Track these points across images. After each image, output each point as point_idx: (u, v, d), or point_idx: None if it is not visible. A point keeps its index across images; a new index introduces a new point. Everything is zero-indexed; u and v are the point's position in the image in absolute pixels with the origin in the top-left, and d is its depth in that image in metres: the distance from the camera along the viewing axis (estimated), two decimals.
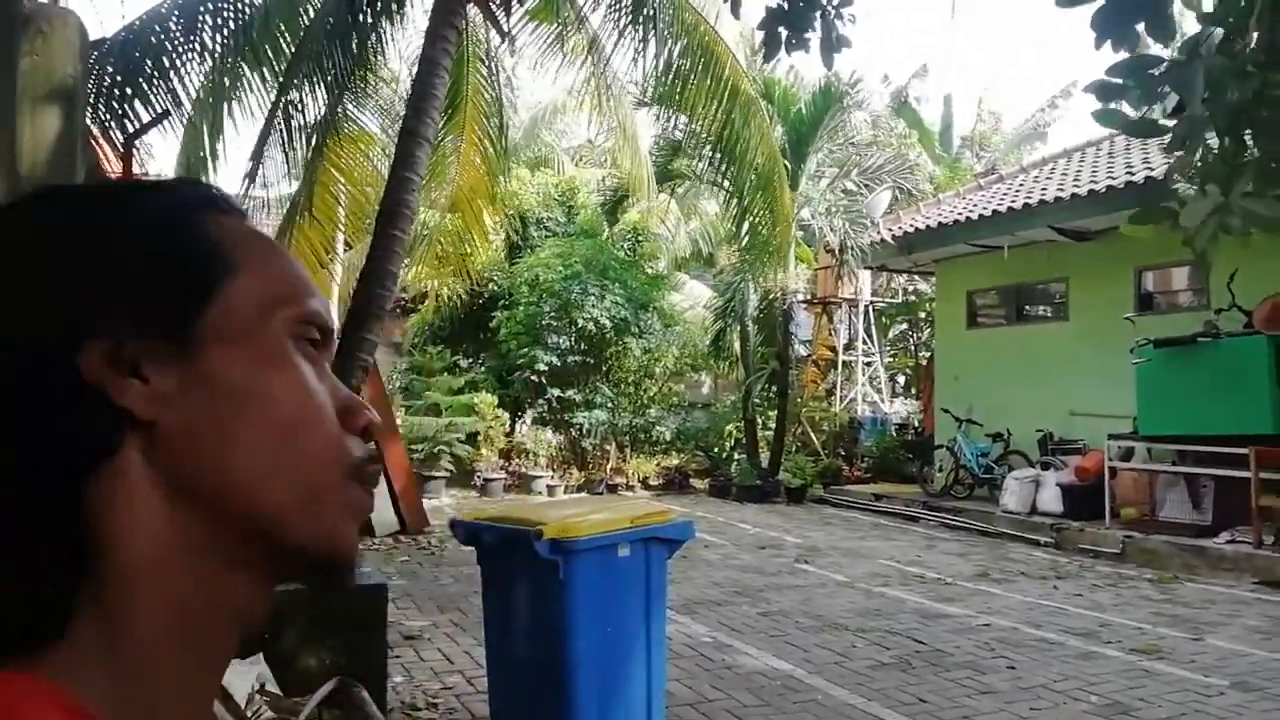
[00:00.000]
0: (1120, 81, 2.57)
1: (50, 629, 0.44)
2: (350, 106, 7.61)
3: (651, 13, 7.24)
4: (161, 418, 0.46)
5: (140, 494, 0.46)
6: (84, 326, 0.45)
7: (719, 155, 8.55)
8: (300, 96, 7.00)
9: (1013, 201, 11.58)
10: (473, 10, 6.72)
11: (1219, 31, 2.41)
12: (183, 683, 0.47)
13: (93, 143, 4.89)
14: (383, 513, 9.29)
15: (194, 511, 0.47)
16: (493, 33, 7.49)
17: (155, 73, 6.38)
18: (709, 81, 7.77)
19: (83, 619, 0.45)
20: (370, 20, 6.96)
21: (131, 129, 5.89)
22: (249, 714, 3.40)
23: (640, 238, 16.25)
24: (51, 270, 0.46)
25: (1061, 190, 11.01)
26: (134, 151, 5.02)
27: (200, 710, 0.50)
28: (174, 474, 0.47)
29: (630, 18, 7.36)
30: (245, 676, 3.58)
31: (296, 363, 0.50)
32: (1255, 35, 2.32)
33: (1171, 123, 2.63)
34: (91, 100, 5.60)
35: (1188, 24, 2.70)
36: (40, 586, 0.44)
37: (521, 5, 7.43)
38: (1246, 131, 2.39)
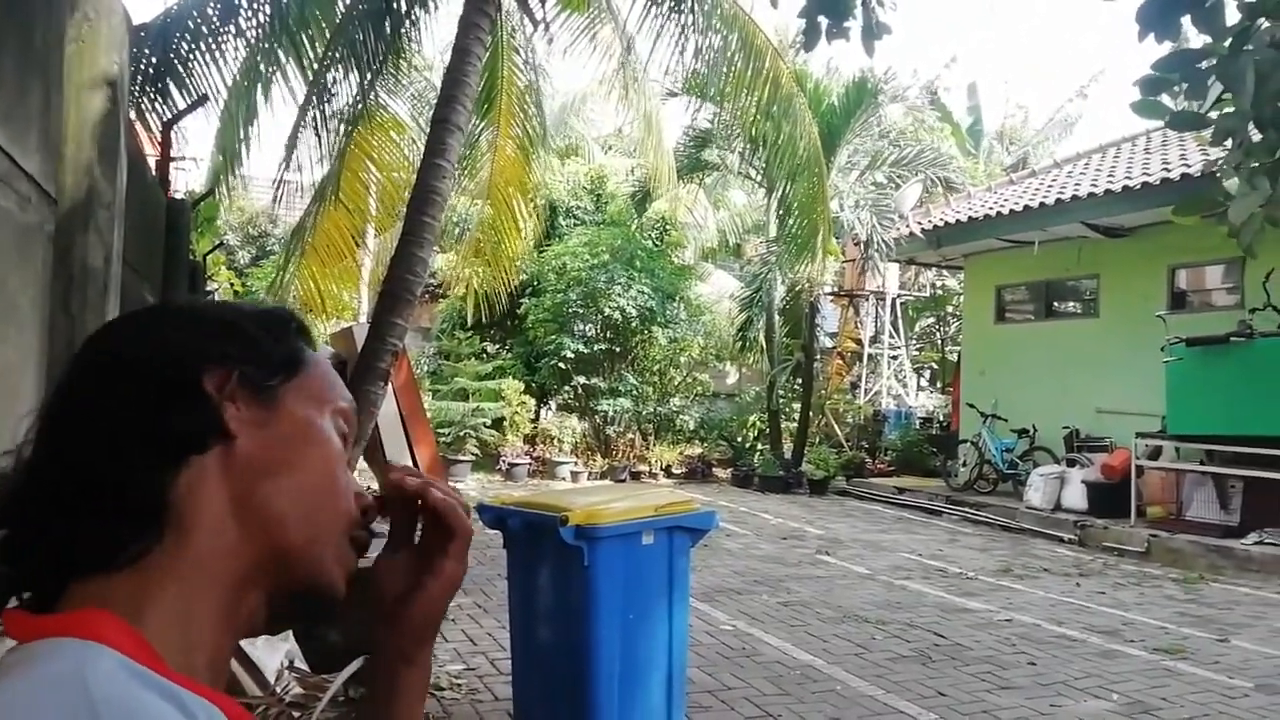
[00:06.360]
0: (1164, 75, 2.55)
1: (119, 559, 0.59)
2: (382, 94, 7.65)
3: (691, 4, 7.19)
4: (240, 440, 0.64)
5: (212, 491, 0.63)
6: (216, 357, 0.65)
7: (758, 148, 8.48)
8: (333, 82, 7.05)
9: (1045, 196, 11.47)
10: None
11: (1264, 23, 2.38)
12: (212, 640, 0.62)
13: (133, 127, 4.97)
14: None
15: (244, 525, 0.64)
16: (526, 22, 7.50)
17: (193, 58, 6.46)
18: (749, 74, 7.71)
19: (153, 570, 0.60)
20: (405, 7, 7.00)
21: (170, 114, 5.98)
22: (278, 689, 3.47)
23: (668, 226, 16.25)
24: (205, 322, 0.69)
25: (1095, 186, 10.88)
26: (172, 136, 5.09)
27: (219, 660, 0.65)
28: (237, 489, 0.64)
29: (670, 9, 7.29)
30: (275, 653, 3.66)
31: (334, 442, 0.70)
32: None
33: (1215, 115, 2.61)
34: (131, 85, 5.68)
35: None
36: (120, 526, 0.59)
37: None
38: None
